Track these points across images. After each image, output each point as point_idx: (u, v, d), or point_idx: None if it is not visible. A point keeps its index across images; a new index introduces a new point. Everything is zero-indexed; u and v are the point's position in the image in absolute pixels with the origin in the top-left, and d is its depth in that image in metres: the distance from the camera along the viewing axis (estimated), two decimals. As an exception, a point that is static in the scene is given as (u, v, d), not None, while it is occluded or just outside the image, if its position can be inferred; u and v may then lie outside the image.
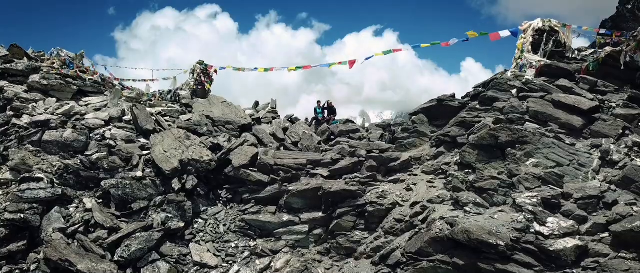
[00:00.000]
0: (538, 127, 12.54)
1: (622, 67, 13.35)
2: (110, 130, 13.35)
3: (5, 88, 14.48)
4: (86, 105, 15.37)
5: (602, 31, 14.28)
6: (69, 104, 14.09)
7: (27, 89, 14.95)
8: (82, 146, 12.69)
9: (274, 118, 16.47)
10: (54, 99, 14.58)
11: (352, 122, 16.74)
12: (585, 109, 12.53)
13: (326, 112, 17.11)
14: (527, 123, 12.68)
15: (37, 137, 12.57)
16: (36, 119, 12.83)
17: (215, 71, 17.90)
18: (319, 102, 17.29)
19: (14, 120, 12.88)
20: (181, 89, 17.68)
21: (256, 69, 16.85)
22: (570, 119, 12.57)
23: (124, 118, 14.03)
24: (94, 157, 12.35)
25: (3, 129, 12.63)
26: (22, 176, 11.34)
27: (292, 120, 16.67)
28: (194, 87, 17.31)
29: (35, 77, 15.02)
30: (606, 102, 12.88)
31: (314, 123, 16.93)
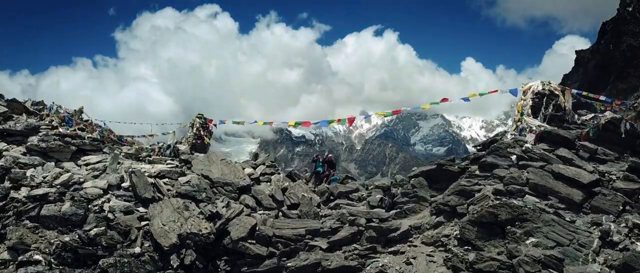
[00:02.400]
0: (538, 200, 12.49)
1: (623, 135, 13.28)
2: (108, 200, 13.31)
3: (3, 152, 14.45)
4: (85, 165, 15.36)
5: (602, 98, 14.21)
6: (68, 172, 14.05)
7: (26, 150, 14.92)
8: (80, 219, 12.65)
9: (272, 173, 16.43)
10: (53, 163, 14.53)
11: (352, 179, 16.70)
12: (585, 183, 12.50)
13: (326, 165, 17.05)
14: (526, 195, 12.65)
15: (35, 212, 12.53)
16: (34, 193, 12.78)
17: (214, 125, 17.90)
18: (318, 155, 17.28)
19: (12, 193, 12.83)
20: (180, 143, 17.66)
21: (255, 121, 16.83)
22: (570, 192, 12.51)
23: (122, 185, 13.98)
24: (92, 232, 12.30)
25: (1, 204, 12.59)
26: (20, 259, 11.32)
27: (292, 176, 16.63)
28: (193, 142, 17.29)
29: (33, 139, 15.00)
30: (606, 175, 12.82)
31: (313, 177, 16.90)
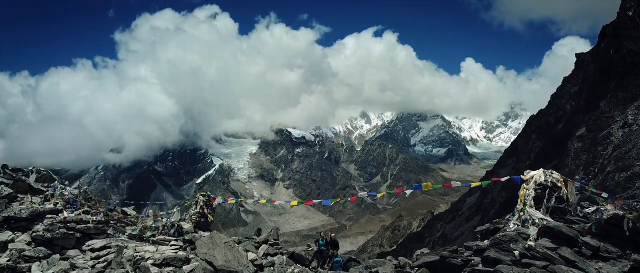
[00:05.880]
0: (541, 306, 12.61)
1: (627, 233, 13.36)
2: (114, 302, 13.41)
3: (9, 244, 14.55)
4: (90, 251, 15.47)
5: (605, 195, 14.28)
6: (73, 269, 14.15)
7: (31, 240, 15.02)
8: (86, 325, 12.76)
9: (276, 254, 16.51)
10: (58, 256, 14.64)
11: (356, 261, 16.76)
12: (588, 288, 12.59)
13: (329, 245, 17.12)
14: (530, 300, 12.75)
15: (42, 320, 12.65)
16: (40, 299, 12.91)
17: (219, 203, 18.00)
18: (322, 233, 17.38)
19: (19, 298, 12.96)
20: (183, 221, 17.78)
21: (258, 201, 16.95)
22: (573, 298, 12.62)
23: (127, 281, 14.08)
24: None
25: (8, 311, 12.72)
26: None
27: (295, 257, 16.70)
28: (197, 220, 17.40)
29: (39, 229, 15.11)
30: (609, 278, 12.91)
31: (316, 256, 16.98)
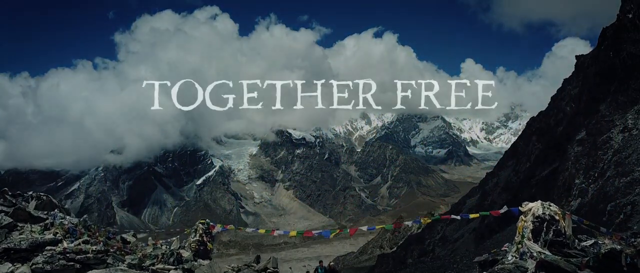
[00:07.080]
0: None
1: (625, 268, 13.42)
2: None
3: (8, 277, 14.61)
4: (90, 281, 15.52)
5: (603, 230, 14.34)
6: (72, 304, 14.21)
7: (31, 272, 15.07)
8: None
9: (275, 281, 16.59)
10: (58, 288, 14.71)
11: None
12: (586, 325, 12.67)
13: (328, 273, 17.21)
14: (528, 336, 12.82)
15: None
16: None
17: (218, 231, 18.05)
18: (321, 262, 17.43)
19: (19, 336, 13.01)
20: (183, 248, 17.83)
21: (257, 229, 16.98)
22: (570, 335, 12.69)
23: (127, 315, 14.15)
24: None
25: None
26: None
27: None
28: (196, 248, 17.46)
29: (38, 260, 15.15)
30: (606, 316, 12.97)
31: (316, 283, 17.06)
